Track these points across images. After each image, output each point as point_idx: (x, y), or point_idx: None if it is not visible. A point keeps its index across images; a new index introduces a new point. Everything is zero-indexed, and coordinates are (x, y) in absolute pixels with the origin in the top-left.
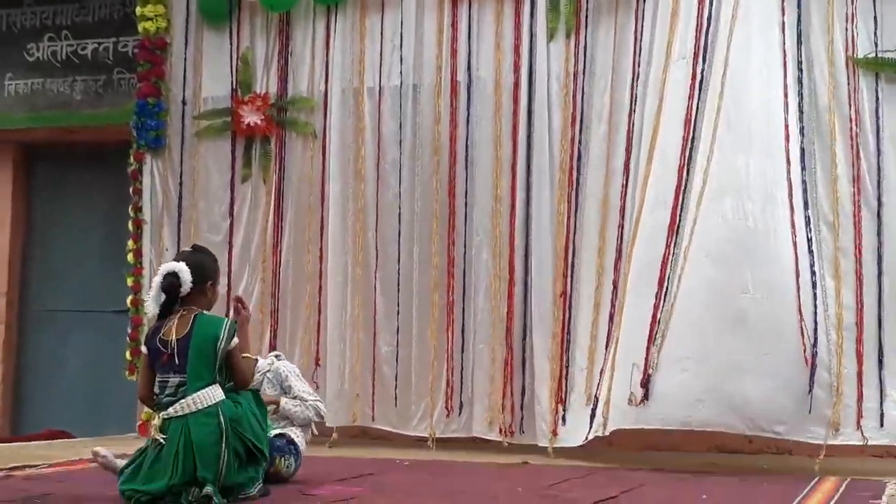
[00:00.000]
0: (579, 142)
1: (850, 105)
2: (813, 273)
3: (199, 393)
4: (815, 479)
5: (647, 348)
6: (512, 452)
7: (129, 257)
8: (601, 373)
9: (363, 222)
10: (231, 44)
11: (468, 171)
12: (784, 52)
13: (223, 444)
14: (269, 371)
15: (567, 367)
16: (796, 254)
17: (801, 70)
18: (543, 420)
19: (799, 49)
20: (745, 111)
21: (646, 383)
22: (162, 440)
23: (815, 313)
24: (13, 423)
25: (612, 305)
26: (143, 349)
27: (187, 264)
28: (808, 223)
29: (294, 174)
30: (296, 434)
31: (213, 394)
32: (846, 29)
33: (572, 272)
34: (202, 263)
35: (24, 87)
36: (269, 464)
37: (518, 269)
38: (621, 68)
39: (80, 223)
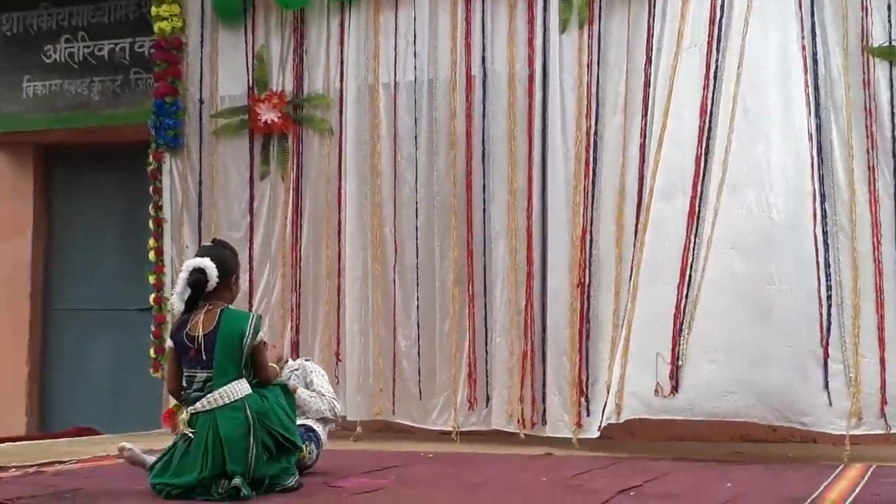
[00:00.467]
0: (595, 132)
1: (865, 94)
2: (828, 265)
3: (225, 387)
4: (841, 467)
5: (674, 339)
6: (531, 445)
7: (151, 255)
8: (610, 359)
9: (380, 217)
10: (246, 42)
11: (485, 166)
12: (801, 44)
13: (251, 438)
14: (297, 369)
15: (588, 357)
16: (816, 246)
17: (815, 62)
18: (565, 411)
19: (814, 40)
20: (762, 103)
21: (675, 375)
22: (191, 434)
23: (829, 306)
24: (40, 420)
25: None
26: (169, 343)
27: (211, 259)
28: (824, 216)
29: (311, 170)
30: (315, 424)
31: (240, 388)
32: (861, 18)
33: (590, 262)
34: (225, 258)
35: (43, 89)
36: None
37: (535, 261)
38: (635, 58)
39: (100, 222)
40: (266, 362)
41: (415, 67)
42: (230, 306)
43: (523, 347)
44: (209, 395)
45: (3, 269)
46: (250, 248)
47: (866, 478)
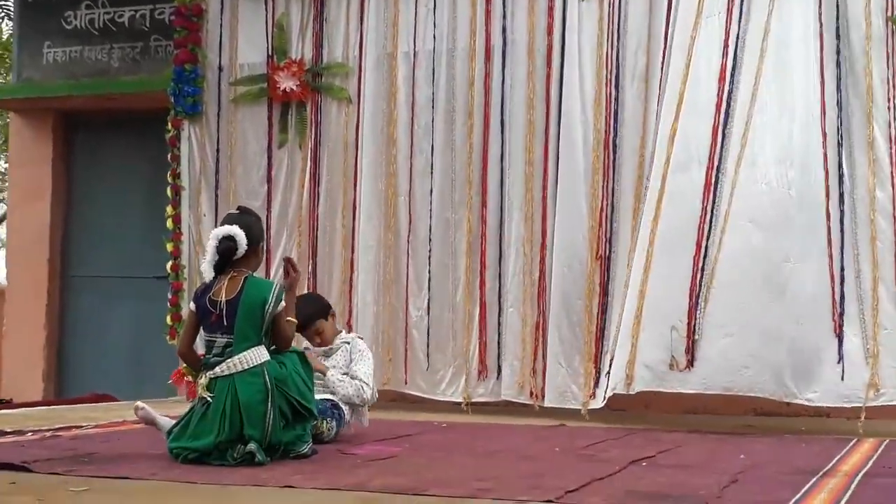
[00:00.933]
0: (615, 100)
1: (888, 66)
2: (843, 241)
3: (245, 353)
4: (854, 440)
5: (690, 313)
6: (542, 416)
7: (168, 223)
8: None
9: (395, 187)
10: (266, 10)
11: (503, 135)
12: (820, 21)
13: (269, 404)
14: (348, 343)
15: (604, 329)
16: (831, 223)
17: (838, 38)
18: (575, 383)
19: (837, 15)
20: (786, 79)
21: (690, 349)
22: (209, 398)
23: (843, 282)
24: (58, 386)
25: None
26: (192, 306)
27: (239, 227)
28: (842, 192)
29: (329, 139)
30: (342, 403)
31: (259, 354)
32: None
33: (610, 235)
34: (251, 225)
35: (63, 56)
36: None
37: (549, 232)
38: (654, 25)
39: (119, 189)
40: (286, 330)
41: (434, 36)
42: (254, 274)
43: (536, 319)
44: (229, 360)
45: (23, 234)
46: (268, 217)
47: (879, 451)
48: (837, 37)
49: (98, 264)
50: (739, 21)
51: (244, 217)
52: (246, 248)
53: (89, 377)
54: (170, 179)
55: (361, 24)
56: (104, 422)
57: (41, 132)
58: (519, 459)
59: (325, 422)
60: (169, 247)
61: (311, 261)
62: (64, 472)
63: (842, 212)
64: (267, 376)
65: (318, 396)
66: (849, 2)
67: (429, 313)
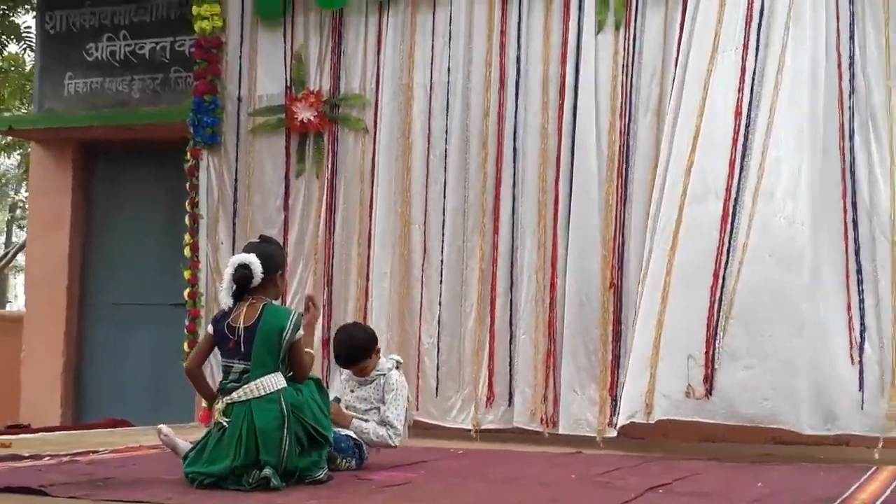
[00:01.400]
0: (627, 133)
1: None
2: (859, 272)
3: (261, 379)
4: (873, 469)
5: (708, 343)
6: (555, 444)
7: (186, 251)
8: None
9: (409, 215)
10: (285, 42)
11: (515, 165)
12: (838, 52)
13: (285, 430)
14: (383, 375)
15: (618, 357)
16: (847, 255)
17: (851, 67)
18: (590, 411)
19: (851, 42)
20: (799, 112)
21: (709, 378)
22: (225, 423)
23: (862, 311)
24: (76, 412)
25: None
26: (210, 329)
27: (257, 255)
28: (856, 224)
29: (346, 169)
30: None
31: (276, 381)
32: None
33: (621, 263)
34: (271, 254)
35: (84, 87)
36: (330, 459)
37: (561, 261)
38: (669, 58)
39: (138, 218)
40: (304, 359)
41: (449, 69)
42: (273, 302)
43: (548, 346)
44: (246, 386)
45: (43, 262)
46: (284, 245)
47: None
48: (851, 67)
49: (116, 292)
50: (756, 55)
51: (263, 246)
52: (262, 276)
53: (107, 403)
54: (188, 208)
55: (378, 56)
56: (121, 446)
57: (62, 162)
58: (535, 486)
59: (343, 460)
60: (186, 274)
61: (326, 288)
62: (81, 496)
63: (856, 246)
64: (283, 402)
65: (340, 432)
66: (865, 33)
67: (440, 340)
